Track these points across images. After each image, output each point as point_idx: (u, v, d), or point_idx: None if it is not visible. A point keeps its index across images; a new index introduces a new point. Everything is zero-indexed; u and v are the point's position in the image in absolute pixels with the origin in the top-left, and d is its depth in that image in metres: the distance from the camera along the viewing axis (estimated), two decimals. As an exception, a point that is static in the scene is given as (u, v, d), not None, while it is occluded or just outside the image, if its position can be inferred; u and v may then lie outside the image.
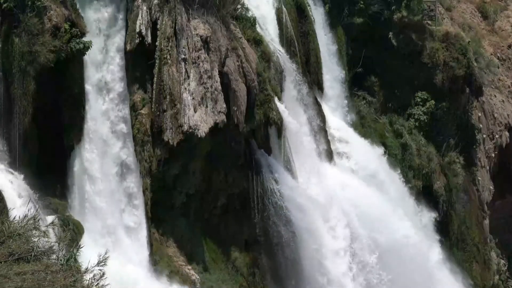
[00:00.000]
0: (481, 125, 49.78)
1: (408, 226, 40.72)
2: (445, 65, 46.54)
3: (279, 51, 38.49)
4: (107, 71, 31.46)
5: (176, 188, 33.48)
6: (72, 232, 28.06)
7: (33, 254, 12.95)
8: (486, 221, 49.88)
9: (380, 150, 43.70)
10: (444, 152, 46.75)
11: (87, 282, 12.76)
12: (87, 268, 12.80)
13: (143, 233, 31.79)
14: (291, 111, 37.42)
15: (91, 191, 30.76)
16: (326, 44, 42.92)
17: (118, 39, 31.74)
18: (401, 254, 39.40)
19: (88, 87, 30.57)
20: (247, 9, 36.99)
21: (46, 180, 29.12)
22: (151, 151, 31.99)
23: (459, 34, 48.08)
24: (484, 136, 50.42)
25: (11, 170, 28.40)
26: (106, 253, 12.80)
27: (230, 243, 34.82)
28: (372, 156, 42.74)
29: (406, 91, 46.10)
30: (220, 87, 32.89)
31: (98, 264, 12.71)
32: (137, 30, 31.53)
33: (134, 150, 31.77)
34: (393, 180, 42.90)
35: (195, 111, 32.10)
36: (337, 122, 42.24)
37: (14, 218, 13.95)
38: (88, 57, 30.14)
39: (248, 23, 36.67)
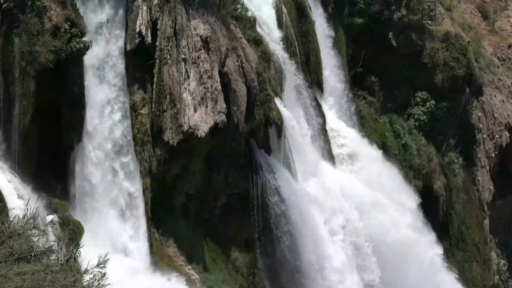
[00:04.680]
0: (481, 125, 49.76)
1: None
2: (445, 65, 46.50)
3: (279, 51, 38.47)
4: (107, 71, 31.47)
5: (176, 188, 33.46)
6: (72, 232, 28.06)
7: (33, 254, 12.95)
8: (486, 221, 49.87)
9: (379, 149, 43.66)
10: (444, 152, 46.73)
11: (87, 282, 12.75)
12: (86, 269, 12.79)
13: (143, 233, 31.79)
14: (291, 111, 37.40)
15: (91, 191, 30.77)
16: (326, 44, 42.90)
17: (118, 39, 31.73)
18: (401, 253, 39.41)
19: (88, 86, 30.56)
20: (247, 9, 36.95)
21: (46, 180, 29.13)
22: (151, 151, 31.99)
23: (459, 34, 48.04)
24: (484, 136, 50.41)
25: (11, 170, 28.40)
26: (106, 255, 12.78)
27: (230, 243, 34.78)
28: (372, 156, 42.71)
29: (406, 91, 46.08)
30: (220, 87, 32.87)
31: (98, 265, 12.70)
32: (137, 30, 31.52)
33: (134, 150, 31.76)
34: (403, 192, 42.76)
35: (195, 111, 32.09)
36: (337, 122, 42.24)
37: (14, 218, 13.93)
38: (88, 57, 30.13)
39: (248, 23, 36.64)
